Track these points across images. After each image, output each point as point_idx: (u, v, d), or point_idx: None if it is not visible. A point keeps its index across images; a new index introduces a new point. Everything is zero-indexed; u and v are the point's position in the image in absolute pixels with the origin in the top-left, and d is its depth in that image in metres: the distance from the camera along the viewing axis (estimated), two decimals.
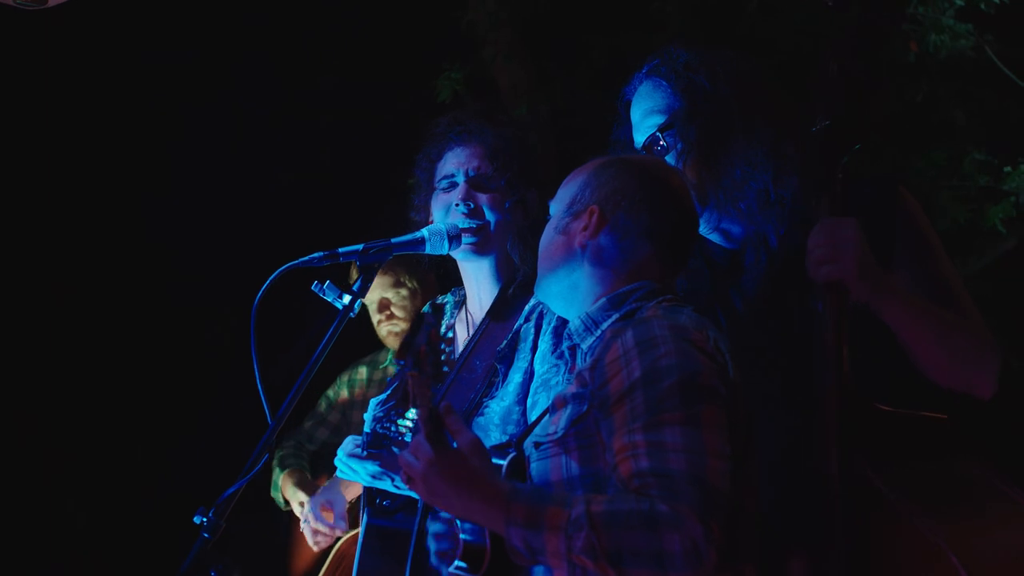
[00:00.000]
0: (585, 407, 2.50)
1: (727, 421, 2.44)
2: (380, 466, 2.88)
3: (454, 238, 3.17)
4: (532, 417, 3.03)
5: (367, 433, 2.89)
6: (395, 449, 2.90)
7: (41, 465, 6.69)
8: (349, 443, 2.90)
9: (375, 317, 5.10)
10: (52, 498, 6.77)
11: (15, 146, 6.48)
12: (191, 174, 6.90)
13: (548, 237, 2.80)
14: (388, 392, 2.98)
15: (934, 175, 6.72)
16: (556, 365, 3.03)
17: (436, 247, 3.16)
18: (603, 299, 2.70)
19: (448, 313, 3.43)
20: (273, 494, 5.11)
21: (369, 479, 2.90)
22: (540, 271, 2.79)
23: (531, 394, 3.06)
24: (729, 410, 2.46)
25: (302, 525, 4.81)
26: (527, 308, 3.16)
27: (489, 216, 3.25)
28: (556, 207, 2.82)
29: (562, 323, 3.03)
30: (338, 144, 7.26)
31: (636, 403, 2.41)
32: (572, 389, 2.56)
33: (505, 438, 3.05)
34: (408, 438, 2.91)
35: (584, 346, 2.70)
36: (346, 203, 6.75)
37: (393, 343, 5.06)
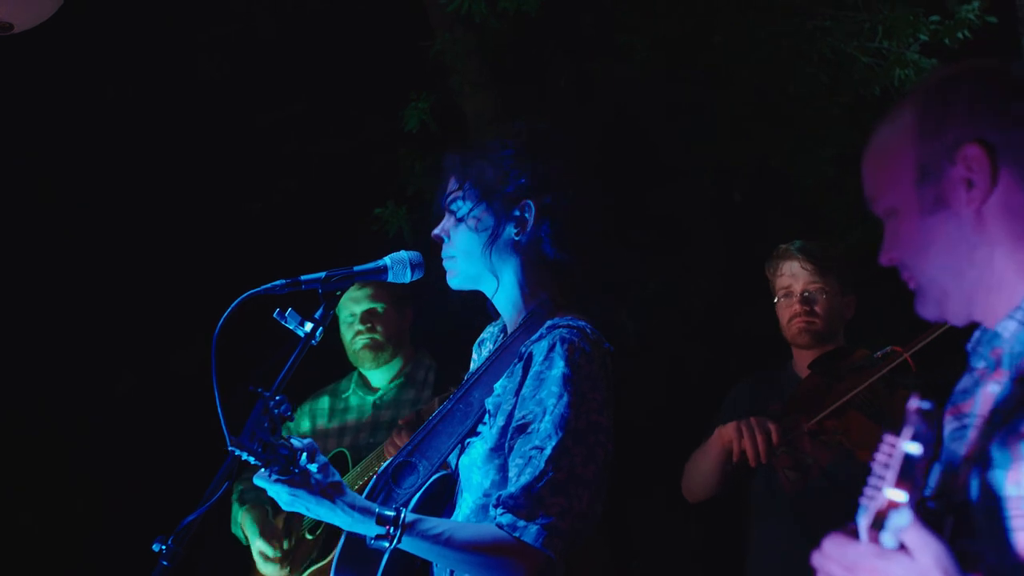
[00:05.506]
0: None
1: None
2: (289, 493, 2.78)
3: (416, 266, 3.08)
4: (509, 464, 2.91)
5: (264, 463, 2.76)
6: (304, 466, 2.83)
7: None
8: (261, 470, 2.80)
9: (354, 328, 5.07)
10: (9, 526, 6.72)
11: None
12: (157, 203, 6.90)
13: (918, 227, 2.05)
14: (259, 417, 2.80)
15: None
16: (533, 412, 2.88)
17: (399, 275, 3.08)
18: None
19: (494, 337, 3.32)
20: (234, 530, 5.08)
21: (284, 504, 2.82)
22: (937, 281, 2.07)
23: (508, 439, 2.94)
24: None
25: None
26: (522, 347, 3.00)
27: (460, 243, 3.10)
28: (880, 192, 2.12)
29: (546, 367, 2.90)
30: (305, 173, 7.27)
31: None
32: None
33: (487, 482, 2.97)
34: (304, 461, 2.85)
35: None
36: (312, 231, 6.76)
37: (367, 356, 5.06)
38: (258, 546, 4.91)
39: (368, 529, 2.82)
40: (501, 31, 6.31)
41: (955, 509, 1.99)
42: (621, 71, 6.24)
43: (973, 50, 6.35)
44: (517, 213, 3.06)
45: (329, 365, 5.15)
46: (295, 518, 4.98)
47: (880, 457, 1.74)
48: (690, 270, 7.02)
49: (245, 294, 2.91)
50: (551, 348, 2.92)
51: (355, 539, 3.02)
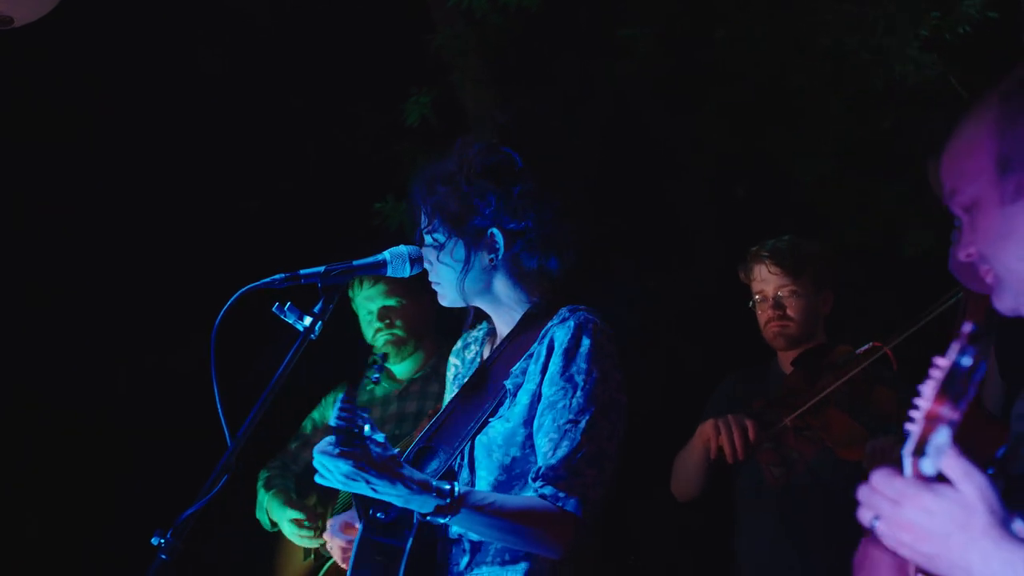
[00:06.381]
0: None
1: None
2: (353, 465, 2.80)
3: (415, 260, 3.18)
4: (538, 440, 3.04)
5: (336, 430, 2.83)
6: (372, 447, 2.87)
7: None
8: (324, 443, 2.86)
9: (373, 326, 5.11)
10: (8, 516, 6.72)
11: None
12: (155, 198, 6.90)
13: (999, 216, 2.10)
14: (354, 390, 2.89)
15: (899, 202, 6.77)
16: (564, 388, 3.03)
17: (398, 270, 3.16)
18: None
19: (479, 341, 3.45)
20: (258, 515, 5.11)
21: (343, 480, 2.83)
22: (1016, 272, 2.13)
23: (537, 416, 3.06)
24: None
25: (329, 542, 4.75)
26: (542, 331, 3.13)
27: (441, 274, 3.22)
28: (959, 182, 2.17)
29: (573, 345, 3.06)
30: (305, 167, 7.27)
31: None
32: None
33: (507, 460, 3.07)
34: (369, 432, 2.89)
35: None
36: (312, 226, 6.76)
37: (391, 351, 5.09)
38: (289, 515, 4.93)
39: (425, 504, 2.88)
40: (502, 26, 6.31)
41: (1009, 479, 2.07)
42: (623, 66, 6.23)
43: (973, 46, 6.34)
44: (487, 241, 3.18)
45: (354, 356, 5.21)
46: (322, 506, 5.00)
47: (927, 381, 1.77)
48: (690, 267, 7.02)
49: (244, 288, 2.93)
50: (577, 328, 3.09)
51: (368, 542, 3.11)
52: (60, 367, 6.80)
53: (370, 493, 2.88)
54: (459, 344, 3.53)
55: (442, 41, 6.51)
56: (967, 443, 1.82)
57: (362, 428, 2.84)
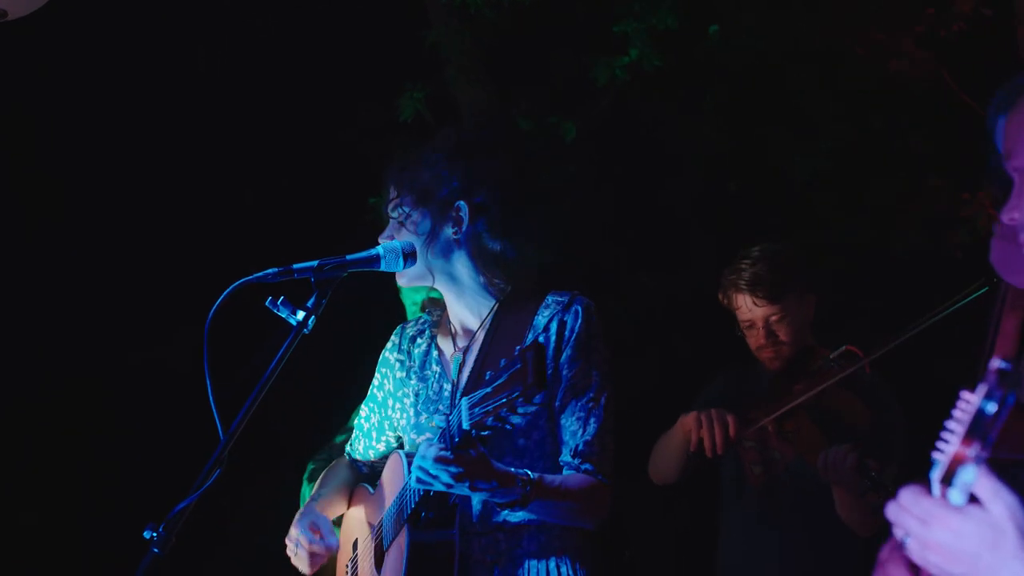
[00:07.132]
0: None
1: None
2: (465, 468, 2.84)
3: (409, 255, 3.21)
4: (563, 418, 3.16)
5: (463, 431, 2.86)
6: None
7: None
8: (431, 448, 2.87)
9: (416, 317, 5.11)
10: (6, 512, 6.72)
11: None
12: (150, 195, 6.90)
13: None
14: (490, 389, 2.85)
15: (893, 200, 6.78)
16: (583, 369, 3.17)
17: (391, 264, 3.20)
18: None
19: (426, 334, 3.48)
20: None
21: (449, 481, 2.85)
22: None
23: (560, 396, 3.17)
24: None
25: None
26: (542, 322, 3.22)
27: (407, 246, 3.25)
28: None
29: (584, 328, 3.18)
30: (299, 162, 7.26)
31: None
32: None
33: (531, 441, 3.16)
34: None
35: None
36: (307, 221, 6.75)
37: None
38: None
39: (509, 494, 2.97)
40: (496, 21, 6.30)
41: None
42: (618, 63, 6.22)
43: (968, 43, 6.35)
44: (452, 214, 3.25)
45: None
46: None
47: (956, 413, 1.76)
48: (686, 263, 7.02)
49: (237, 282, 2.93)
50: (586, 312, 3.23)
51: (418, 545, 3.10)
52: (55, 363, 6.80)
53: (466, 492, 2.94)
54: (395, 339, 3.57)
55: (436, 36, 6.50)
56: (1005, 442, 1.80)
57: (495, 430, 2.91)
